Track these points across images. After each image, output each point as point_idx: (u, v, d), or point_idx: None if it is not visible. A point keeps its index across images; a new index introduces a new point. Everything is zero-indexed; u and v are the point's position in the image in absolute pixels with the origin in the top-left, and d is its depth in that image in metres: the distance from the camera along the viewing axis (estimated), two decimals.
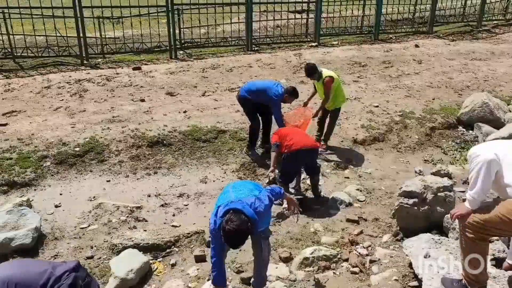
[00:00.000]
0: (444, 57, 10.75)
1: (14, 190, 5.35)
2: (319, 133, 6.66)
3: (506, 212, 2.94)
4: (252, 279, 3.83)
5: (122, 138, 6.36)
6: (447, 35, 12.87)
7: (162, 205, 5.22)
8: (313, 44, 11.33)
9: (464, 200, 4.83)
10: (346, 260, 4.17)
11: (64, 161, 5.86)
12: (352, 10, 12.14)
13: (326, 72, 6.31)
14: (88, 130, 6.49)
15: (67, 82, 8.20)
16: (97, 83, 8.26)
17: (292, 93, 6.05)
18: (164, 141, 6.43)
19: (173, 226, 4.81)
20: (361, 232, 4.63)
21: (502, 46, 12.02)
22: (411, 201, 4.42)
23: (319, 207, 5.20)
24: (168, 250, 4.40)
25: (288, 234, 4.66)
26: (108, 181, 5.65)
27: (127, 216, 4.93)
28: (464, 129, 7.37)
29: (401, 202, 4.46)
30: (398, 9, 12.80)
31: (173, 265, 4.25)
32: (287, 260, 4.21)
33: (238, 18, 11.09)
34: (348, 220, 4.91)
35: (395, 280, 3.82)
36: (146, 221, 4.92)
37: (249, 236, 3.25)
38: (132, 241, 4.37)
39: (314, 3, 11.70)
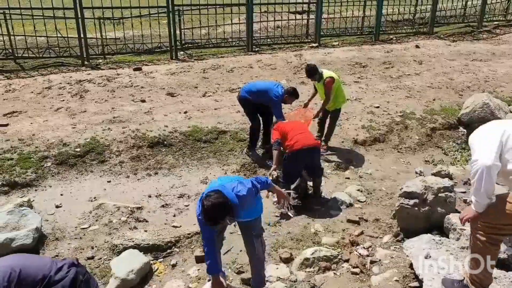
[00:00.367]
0: (444, 57, 10.74)
1: (15, 190, 5.35)
2: (320, 133, 6.67)
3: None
4: (251, 280, 3.83)
5: (123, 139, 6.37)
6: (447, 35, 12.86)
7: (162, 206, 5.22)
8: (314, 44, 11.33)
9: (465, 201, 4.88)
10: (347, 260, 4.17)
11: (65, 162, 5.86)
12: (352, 11, 12.13)
13: (326, 73, 6.31)
14: (88, 131, 6.50)
15: (68, 83, 8.21)
16: (98, 84, 8.27)
17: (292, 94, 6.06)
18: (165, 142, 6.43)
19: (173, 226, 4.81)
20: (362, 233, 4.63)
21: (503, 46, 12.00)
22: (411, 201, 4.41)
23: (319, 208, 5.20)
24: (168, 251, 4.41)
25: (289, 234, 4.65)
26: (109, 181, 5.66)
27: (128, 217, 4.93)
28: (465, 130, 7.36)
29: (402, 203, 4.45)
30: (398, 10, 12.80)
31: (173, 266, 4.25)
32: (287, 260, 4.20)
33: (239, 18, 11.09)
34: (348, 221, 4.90)
35: (396, 280, 3.81)
36: (146, 221, 4.92)
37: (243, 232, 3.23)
38: (133, 241, 4.38)
39: (314, 4, 11.69)
